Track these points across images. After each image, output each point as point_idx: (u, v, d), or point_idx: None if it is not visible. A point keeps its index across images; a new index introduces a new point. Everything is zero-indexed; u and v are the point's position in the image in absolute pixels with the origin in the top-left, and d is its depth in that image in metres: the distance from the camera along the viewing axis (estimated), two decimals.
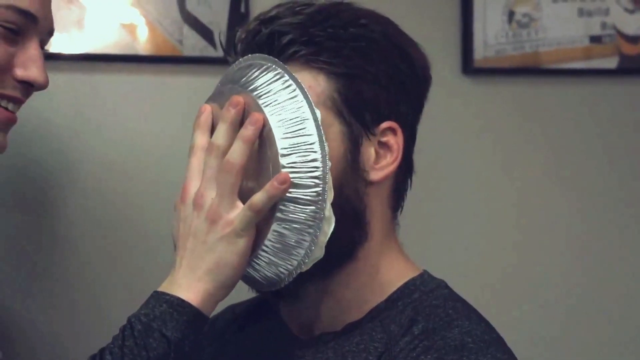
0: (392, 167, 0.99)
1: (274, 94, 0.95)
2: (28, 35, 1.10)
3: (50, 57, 1.60)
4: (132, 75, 1.67)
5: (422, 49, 1.04)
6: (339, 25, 0.98)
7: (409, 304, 1.00)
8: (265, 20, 1.00)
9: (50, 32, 1.17)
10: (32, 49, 1.11)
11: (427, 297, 1.01)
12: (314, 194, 0.94)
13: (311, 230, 0.95)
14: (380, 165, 0.99)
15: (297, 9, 1.00)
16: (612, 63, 1.89)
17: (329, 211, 0.95)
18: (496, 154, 1.86)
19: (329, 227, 0.95)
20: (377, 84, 0.98)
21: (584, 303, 1.89)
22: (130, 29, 1.65)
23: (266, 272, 0.97)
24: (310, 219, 0.94)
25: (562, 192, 1.89)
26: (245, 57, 1.00)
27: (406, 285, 1.02)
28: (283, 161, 0.93)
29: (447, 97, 1.77)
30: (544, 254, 1.88)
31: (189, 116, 1.67)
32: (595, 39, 1.88)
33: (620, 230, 1.92)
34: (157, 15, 1.66)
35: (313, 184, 0.94)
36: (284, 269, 0.96)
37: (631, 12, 1.90)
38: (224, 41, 1.08)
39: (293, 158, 0.94)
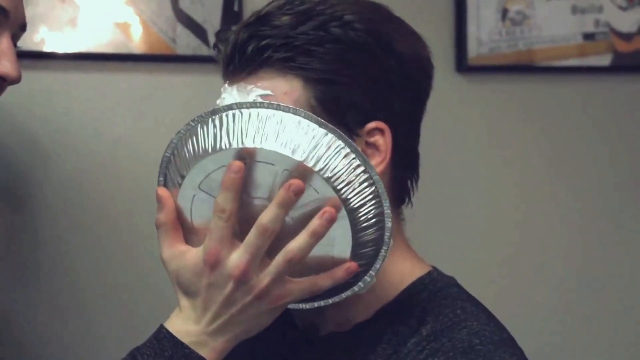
0: (381, 167, 0.97)
1: (351, 184, 0.89)
2: None
3: (44, 56, 1.61)
4: (125, 74, 1.67)
5: (416, 42, 1.01)
6: (319, 26, 0.95)
7: (417, 304, 0.99)
8: (245, 25, 0.98)
9: (22, 27, 1.16)
10: (3, 43, 1.10)
11: (435, 296, 1.00)
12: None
13: (356, 289, 0.95)
14: None
15: (287, 8, 0.97)
16: (605, 60, 1.89)
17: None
18: (491, 151, 1.86)
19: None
20: (357, 86, 0.95)
21: (583, 298, 1.90)
22: (124, 27, 1.65)
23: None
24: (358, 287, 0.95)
25: (557, 189, 1.89)
26: (278, 105, 0.90)
27: (414, 284, 1.01)
28: (350, 255, 0.91)
29: (441, 95, 1.76)
30: (540, 250, 1.88)
31: (183, 115, 1.68)
32: (588, 37, 1.88)
33: (615, 226, 1.92)
34: (150, 14, 1.66)
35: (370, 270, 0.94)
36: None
37: (624, 9, 1.90)
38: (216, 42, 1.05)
39: (360, 250, 0.91)
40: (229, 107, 0.88)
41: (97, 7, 1.64)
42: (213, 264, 0.89)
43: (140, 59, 1.67)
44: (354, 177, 0.88)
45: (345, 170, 0.88)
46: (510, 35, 1.84)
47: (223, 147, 0.87)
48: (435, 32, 1.77)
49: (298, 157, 0.87)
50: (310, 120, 0.88)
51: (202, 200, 0.91)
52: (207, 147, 0.88)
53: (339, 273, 0.91)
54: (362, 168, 0.89)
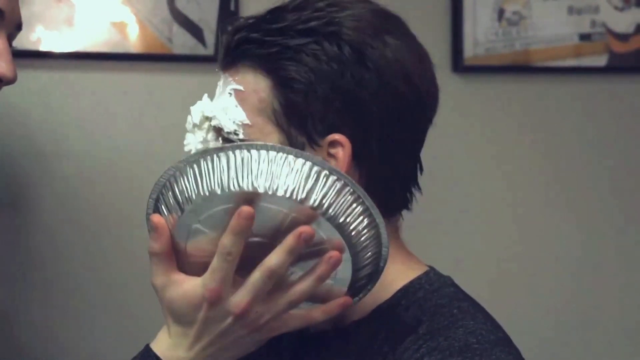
0: None
1: (356, 228, 0.90)
2: None
3: (40, 56, 1.61)
4: (122, 73, 1.67)
5: (412, 59, 0.99)
6: (303, 31, 0.95)
7: (413, 302, 0.99)
8: (256, 16, 0.98)
9: (18, 26, 1.15)
10: None
11: (431, 296, 1.00)
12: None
13: None
14: None
15: (299, 6, 0.97)
16: (601, 61, 1.89)
17: None
18: (487, 151, 1.86)
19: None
20: (324, 97, 0.95)
21: (582, 298, 1.91)
22: (120, 27, 1.65)
23: None
24: None
25: (553, 188, 1.90)
26: (284, 148, 0.88)
27: (411, 283, 1.01)
28: (347, 287, 0.93)
29: None
30: (537, 249, 1.89)
31: (179, 114, 1.68)
32: (584, 37, 1.88)
33: (613, 226, 1.93)
34: (146, 13, 1.66)
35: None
36: None
37: (621, 9, 1.90)
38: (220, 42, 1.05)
39: (355, 285, 0.93)
40: (238, 146, 0.88)
41: (93, 6, 1.63)
42: (214, 301, 0.89)
43: (137, 58, 1.67)
44: (359, 222, 0.89)
45: (352, 216, 0.89)
46: (507, 36, 1.84)
47: (232, 188, 0.87)
48: (432, 32, 1.78)
49: (310, 204, 0.87)
50: (323, 167, 0.88)
51: (199, 231, 0.90)
52: (213, 185, 0.87)
53: (334, 308, 0.92)
54: (367, 212, 0.89)
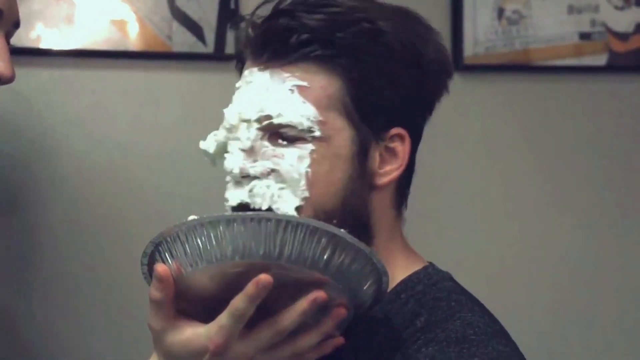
0: (396, 174, 0.99)
1: (364, 286, 0.92)
2: None
3: (40, 53, 1.61)
4: (122, 71, 1.67)
5: (442, 55, 1.04)
6: (360, 32, 0.97)
7: (412, 296, 1.01)
8: (282, 11, 0.98)
9: (16, 24, 1.15)
10: None
11: (430, 289, 1.01)
12: None
13: None
14: (385, 170, 0.99)
15: (316, 6, 0.98)
16: (601, 60, 1.89)
17: None
18: (486, 150, 1.86)
19: None
20: (391, 92, 0.98)
21: (580, 297, 1.91)
22: (120, 25, 1.65)
23: None
24: None
25: (552, 187, 1.90)
26: (293, 216, 0.91)
27: (410, 277, 1.03)
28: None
29: None
30: (536, 247, 1.89)
31: (179, 112, 1.68)
32: (584, 36, 1.88)
33: (612, 224, 1.92)
34: (146, 11, 1.66)
35: None
36: None
37: (621, 9, 1.90)
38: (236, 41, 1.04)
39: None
40: (256, 215, 0.88)
41: (93, 4, 1.64)
42: (218, 354, 0.89)
43: (137, 56, 1.67)
44: (366, 281, 0.91)
45: (363, 279, 0.91)
46: (507, 35, 1.84)
47: (252, 256, 0.87)
48: None
49: (327, 273, 0.88)
50: (341, 238, 0.88)
51: (208, 284, 0.90)
52: (230, 250, 0.87)
53: (328, 348, 0.93)
54: (375, 270, 0.91)
